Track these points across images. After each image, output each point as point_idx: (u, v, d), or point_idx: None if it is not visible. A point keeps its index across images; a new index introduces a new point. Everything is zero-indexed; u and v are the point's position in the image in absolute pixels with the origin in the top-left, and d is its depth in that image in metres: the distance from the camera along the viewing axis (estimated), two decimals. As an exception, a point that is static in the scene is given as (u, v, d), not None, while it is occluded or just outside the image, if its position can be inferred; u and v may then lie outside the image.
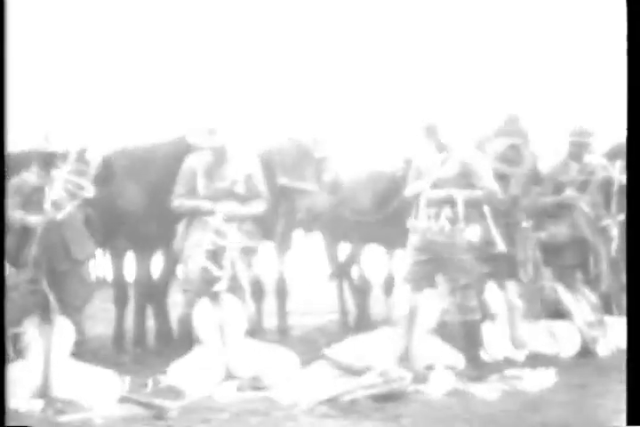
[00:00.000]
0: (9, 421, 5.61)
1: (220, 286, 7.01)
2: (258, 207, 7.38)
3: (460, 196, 7.22)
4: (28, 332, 6.40)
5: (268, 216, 7.61)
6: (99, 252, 9.87)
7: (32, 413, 5.96)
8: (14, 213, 6.63)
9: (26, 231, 6.75)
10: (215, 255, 7.12)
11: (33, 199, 6.76)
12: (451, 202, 7.25)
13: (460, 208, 7.20)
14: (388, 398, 6.28)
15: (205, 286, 7.07)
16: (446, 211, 7.25)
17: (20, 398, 6.07)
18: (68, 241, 6.84)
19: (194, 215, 7.29)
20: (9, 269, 6.88)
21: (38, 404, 6.04)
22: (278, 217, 8.22)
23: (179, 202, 7.30)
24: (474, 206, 7.32)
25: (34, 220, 6.67)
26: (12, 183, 6.74)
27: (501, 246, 7.47)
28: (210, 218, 7.14)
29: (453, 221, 7.24)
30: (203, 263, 7.07)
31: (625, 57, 5.35)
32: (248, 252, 7.34)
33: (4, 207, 4.75)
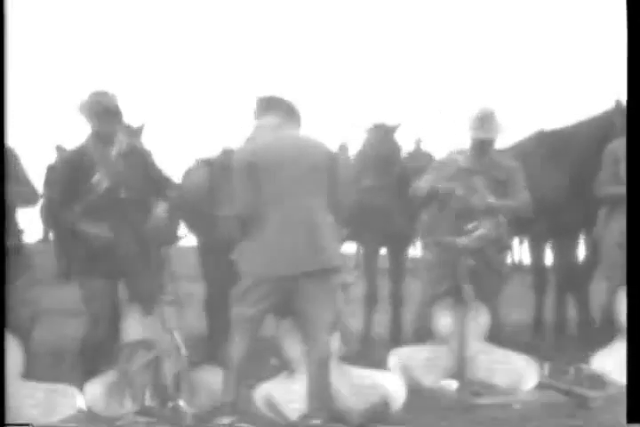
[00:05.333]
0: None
1: None
2: None
3: None
4: (442, 314, 6.40)
5: None
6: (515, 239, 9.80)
7: (446, 393, 6.01)
8: None
9: None
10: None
11: None
12: None
13: None
14: None
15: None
16: None
17: (434, 378, 6.15)
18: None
19: (618, 202, 6.85)
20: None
21: (452, 385, 6.07)
22: None
23: (605, 190, 6.97)
24: None
25: None
26: None
27: None
28: None
29: None
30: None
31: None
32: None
33: (5, 207, 4.86)
